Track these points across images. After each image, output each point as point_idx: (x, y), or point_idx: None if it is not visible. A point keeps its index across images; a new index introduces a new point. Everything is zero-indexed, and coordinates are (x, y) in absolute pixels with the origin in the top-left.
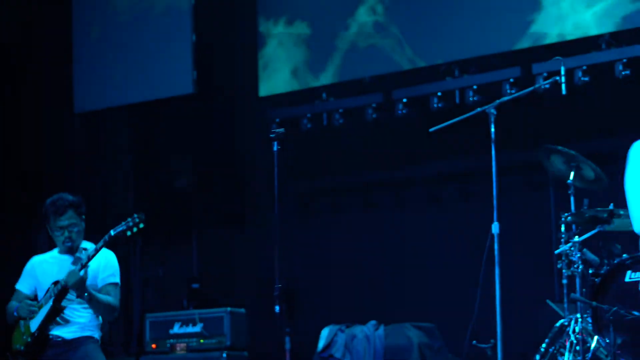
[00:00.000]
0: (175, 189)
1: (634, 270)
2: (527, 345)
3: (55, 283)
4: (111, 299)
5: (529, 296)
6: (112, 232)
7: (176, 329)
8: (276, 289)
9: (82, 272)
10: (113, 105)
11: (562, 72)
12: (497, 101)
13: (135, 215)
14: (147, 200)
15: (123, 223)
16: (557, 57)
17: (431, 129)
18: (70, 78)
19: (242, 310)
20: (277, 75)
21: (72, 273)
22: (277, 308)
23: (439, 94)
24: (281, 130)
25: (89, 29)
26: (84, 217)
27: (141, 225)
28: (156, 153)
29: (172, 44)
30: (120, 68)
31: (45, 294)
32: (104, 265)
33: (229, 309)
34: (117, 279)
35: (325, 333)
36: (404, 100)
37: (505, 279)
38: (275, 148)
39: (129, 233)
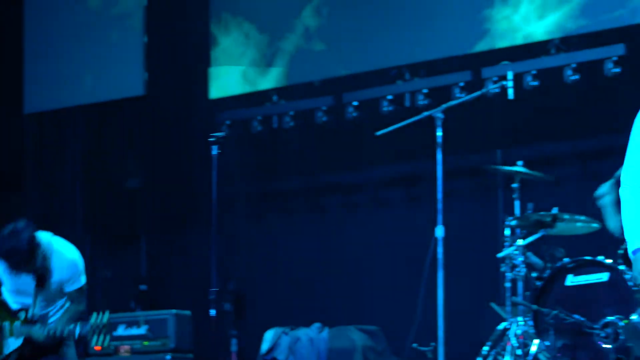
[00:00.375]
0: (125, 190)
1: (576, 274)
2: (469, 348)
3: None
4: (75, 307)
5: (474, 299)
6: (77, 331)
7: (120, 331)
8: (211, 292)
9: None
10: (64, 106)
11: (510, 77)
12: (444, 105)
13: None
14: (97, 201)
15: (89, 325)
16: (504, 62)
17: (378, 133)
18: (20, 78)
19: (188, 312)
20: (228, 77)
21: (36, 333)
22: (212, 311)
23: (390, 97)
24: (221, 133)
25: (40, 30)
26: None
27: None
28: (107, 154)
29: (123, 46)
30: (72, 69)
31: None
32: (67, 277)
33: (174, 311)
34: (81, 282)
35: (269, 335)
36: (355, 103)
37: (450, 282)
38: (214, 152)
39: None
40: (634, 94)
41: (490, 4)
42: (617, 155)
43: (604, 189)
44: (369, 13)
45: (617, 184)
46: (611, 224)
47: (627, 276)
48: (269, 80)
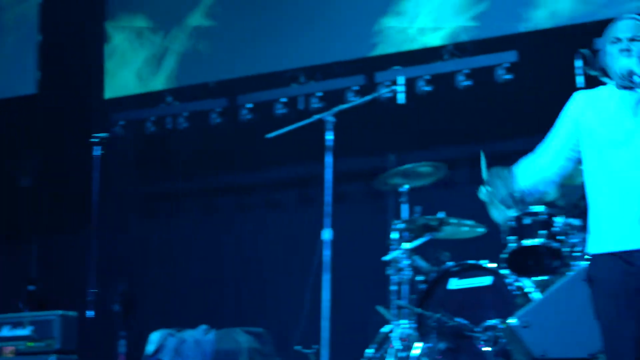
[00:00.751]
0: (17, 190)
1: (460, 278)
2: (354, 350)
3: None
4: None
5: (361, 302)
6: None
7: (5, 332)
8: (89, 294)
9: None
10: None
11: (401, 82)
12: (335, 109)
13: None
14: None
15: None
16: (396, 67)
17: (268, 135)
18: None
19: (74, 313)
20: (122, 77)
21: None
22: (90, 313)
23: (284, 100)
24: (105, 134)
25: None
26: None
27: None
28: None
29: (17, 44)
30: None
31: None
32: None
33: (59, 312)
34: None
35: (155, 337)
36: (249, 105)
37: (337, 285)
38: (97, 153)
39: None
40: (525, 100)
41: (385, 9)
42: (507, 160)
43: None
44: (265, 15)
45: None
46: (495, 215)
47: (509, 280)
48: (162, 80)
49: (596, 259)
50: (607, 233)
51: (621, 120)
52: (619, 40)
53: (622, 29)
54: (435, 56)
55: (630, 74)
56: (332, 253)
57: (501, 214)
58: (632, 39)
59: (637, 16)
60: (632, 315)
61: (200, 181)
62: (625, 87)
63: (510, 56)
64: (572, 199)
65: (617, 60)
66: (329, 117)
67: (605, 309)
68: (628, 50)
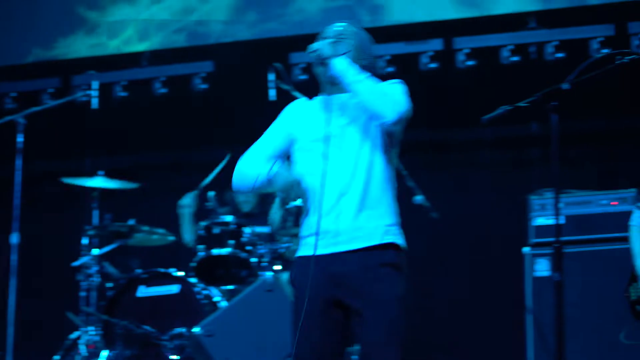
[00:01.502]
0: None
1: (148, 285)
2: (42, 358)
3: None
4: None
5: (51, 308)
6: None
7: None
8: None
9: None
10: None
11: (95, 87)
12: (27, 111)
13: None
14: None
15: None
16: (91, 72)
17: None
18: None
19: None
20: None
21: None
22: None
23: None
24: None
25: None
26: None
27: None
28: None
29: None
30: None
31: None
32: None
33: None
34: None
35: None
36: None
37: (26, 290)
38: None
39: None
40: (220, 109)
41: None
42: (197, 169)
43: (187, 200)
44: None
45: (200, 196)
46: (186, 235)
47: (196, 289)
48: None
49: (295, 262)
50: (303, 238)
51: (319, 124)
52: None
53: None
54: (133, 62)
55: (312, 51)
56: (23, 257)
57: (192, 235)
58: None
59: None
60: (317, 323)
61: None
62: (328, 87)
63: (206, 66)
64: (260, 207)
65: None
66: (20, 119)
67: (295, 312)
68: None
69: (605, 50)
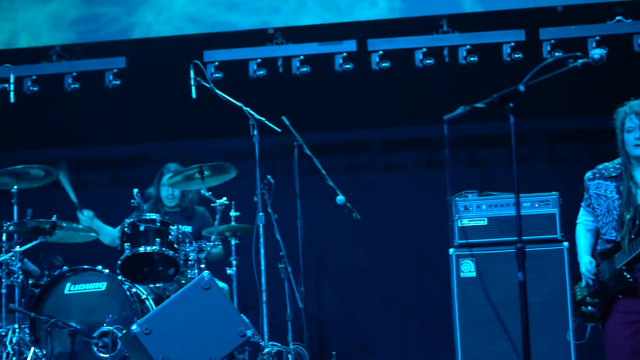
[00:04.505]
0: None
1: (74, 283)
2: None
3: None
4: None
5: None
6: None
7: None
8: None
9: None
10: None
11: (12, 80)
12: None
13: None
14: None
15: None
16: (6, 65)
17: None
18: None
19: None
20: None
21: None
22: None
23: None
24: None
25: None
26: None
27: None
28: None
29: None
30: None
31: None
32: None
33: None
34: None
35: None
36: None
37: None
38: None
39: None
40: (134, 106)
41: None
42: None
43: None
44: None
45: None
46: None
47: (125, 286)
48: None
49: None
50: None
51: None
52: None
53: None
54: (44, 56)
55: None
56: None
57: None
58: None
59: None
60: None
61: None
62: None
63: (119, 62)
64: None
65: None
66: None
67: None
68: None
69: (517, 56)
